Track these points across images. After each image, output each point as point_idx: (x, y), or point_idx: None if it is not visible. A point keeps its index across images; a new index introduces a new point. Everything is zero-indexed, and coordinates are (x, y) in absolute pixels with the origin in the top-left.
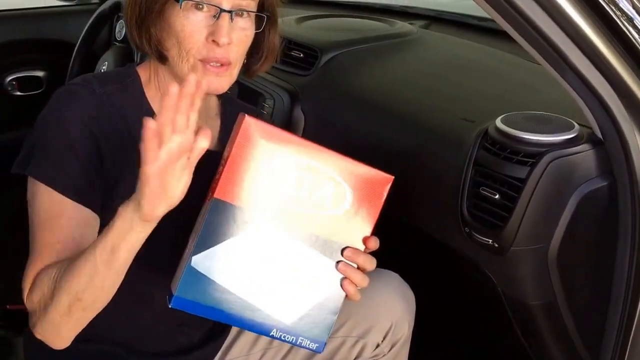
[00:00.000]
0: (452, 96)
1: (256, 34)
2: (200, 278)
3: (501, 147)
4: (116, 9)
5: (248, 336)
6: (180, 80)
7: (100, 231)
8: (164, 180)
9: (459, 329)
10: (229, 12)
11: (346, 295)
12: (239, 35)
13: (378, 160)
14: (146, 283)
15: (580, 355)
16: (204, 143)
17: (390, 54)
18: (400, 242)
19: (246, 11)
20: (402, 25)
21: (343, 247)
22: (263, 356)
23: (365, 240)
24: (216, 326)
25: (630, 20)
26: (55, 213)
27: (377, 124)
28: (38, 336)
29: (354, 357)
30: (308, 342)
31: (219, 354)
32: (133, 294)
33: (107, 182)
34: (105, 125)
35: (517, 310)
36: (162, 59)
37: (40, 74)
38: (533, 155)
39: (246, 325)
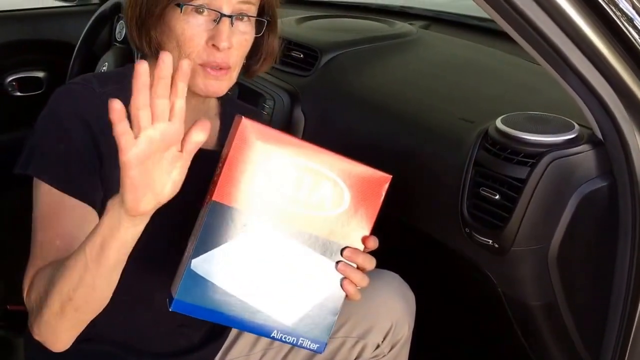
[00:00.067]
0: (452, 96)
1: (255, 37)
2: (200, 281)
3: (501, 148)
4: (116, 9)
5: (248, 337)
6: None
7: None
8: (148, 171)
9: (459, 329)
10: (230, 16)
11: (346, 296)
12: (239, 40)
13: (378, 160)
14: (146, 283)
15: (580, 355)
16: (200, 136)
17: (390, 54)
18: (400, 242)
19: (247, 16)
20: (401, 26)
21: (342, 247)
22: (263, 357)
23: (364, 240)
24: (216, 327)
25: (630, 20)
26: (55, 210)
27: (377, 124)
28: (36, 337)
29: (354, 357)
30: (309, 342)
31: (219, 354)
32: (133, 294)
33: (107, 182)
34: (105, 124)
35: (517, 310)
36: None
37: (40, 74)
38: (533, 155)
39: (247, 327)
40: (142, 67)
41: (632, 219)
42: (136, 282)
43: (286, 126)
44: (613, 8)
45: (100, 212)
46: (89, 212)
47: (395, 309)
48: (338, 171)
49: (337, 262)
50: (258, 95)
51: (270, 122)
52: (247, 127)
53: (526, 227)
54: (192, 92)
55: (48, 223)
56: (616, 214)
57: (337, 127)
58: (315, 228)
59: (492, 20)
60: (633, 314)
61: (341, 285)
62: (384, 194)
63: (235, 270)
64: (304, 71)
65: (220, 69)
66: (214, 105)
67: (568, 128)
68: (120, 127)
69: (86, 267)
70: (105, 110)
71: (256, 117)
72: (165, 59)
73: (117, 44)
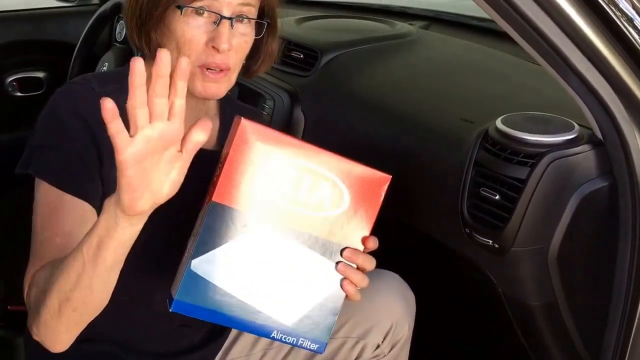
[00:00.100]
0: (452, 97)
1: (255, 38)
2: (200, 281)
3: (501, 148)
4: (116, 9)
5: (248, 337)
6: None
7: None
8: (145, 171)
9: (459, 329)
10: (230, 18)
11: (346, 296)
12: (239, 42)
13: (378, 160)
14: (146, 284)
15: (580, 355)
16: (200, 136)
17: (391, 54)
18: (400, 242)
19: (247, 18)
20: (402, 26)
21: (342, 247)
22: (263, 357)
23: (364, 240)
24: (216, 327)
25: (630, 20)
26: (55, 209)
27: (377, 125)
28: (35, 337)
29: (354, 357)
30: (309, 343)
31: (220, 354)
32: (133, 294)
33: (107, 181)
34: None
35: (518, 310)
36: None
37: (40, 74)
38: (533, 155)
39: (247, 328)
40: (137, 65)
41: (632, 219)
42: (136, 282)
43: (286, 126)
44: (613, 8)
45: (100, 209)
46: (89, 211)
47: (395, 309)
48: (338, 171)
49: (337, 263)
50: (258, 95)
51: (270, 123)
52: (247, 127)
53: (526, 228)
54: (190, 93)
55: (48, 222)
56: (616, 214)
57: (337, 127)
58: (315, 228)
59: (492, 21)
60: (633, 314)
61: (341, 286)
62: (383, 194)
63: (235, 271)
64: (304, 71)
65: (220, 70)
66: (213, 105)
67: (568, 128)
68: (114, 126)
69: (83, 267)
70: None
71: (256, 117)
72: (163, 56)
73: (117, 44)
